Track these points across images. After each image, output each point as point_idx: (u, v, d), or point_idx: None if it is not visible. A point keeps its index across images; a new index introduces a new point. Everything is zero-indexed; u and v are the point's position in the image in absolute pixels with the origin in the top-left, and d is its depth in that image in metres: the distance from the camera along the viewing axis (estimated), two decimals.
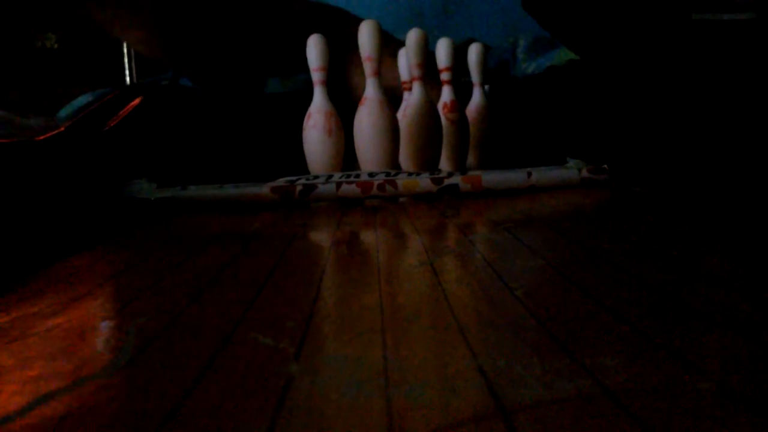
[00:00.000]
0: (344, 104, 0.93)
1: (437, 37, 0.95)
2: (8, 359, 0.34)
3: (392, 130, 0.88)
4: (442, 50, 0.95)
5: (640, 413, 0.24)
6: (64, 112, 0.88)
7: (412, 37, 0.89)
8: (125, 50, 1.43)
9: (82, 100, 0.91)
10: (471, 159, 1.01)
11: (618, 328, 0.34)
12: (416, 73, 0.90)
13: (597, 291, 0.40)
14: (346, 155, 0.91)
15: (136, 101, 0.92)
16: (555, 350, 0.31)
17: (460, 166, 0.96)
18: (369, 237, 0.66)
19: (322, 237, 0.68)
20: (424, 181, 0.82)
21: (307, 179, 0.83)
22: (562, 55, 1.25)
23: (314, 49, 0.89)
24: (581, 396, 0.26)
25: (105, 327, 0.38)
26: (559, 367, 0.29)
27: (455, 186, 0.82)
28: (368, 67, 0.88)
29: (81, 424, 0.26)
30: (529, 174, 0.84)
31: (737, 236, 0.57)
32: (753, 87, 0.89)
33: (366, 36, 0.87)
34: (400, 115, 0.92)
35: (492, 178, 0.84)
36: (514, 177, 0.84)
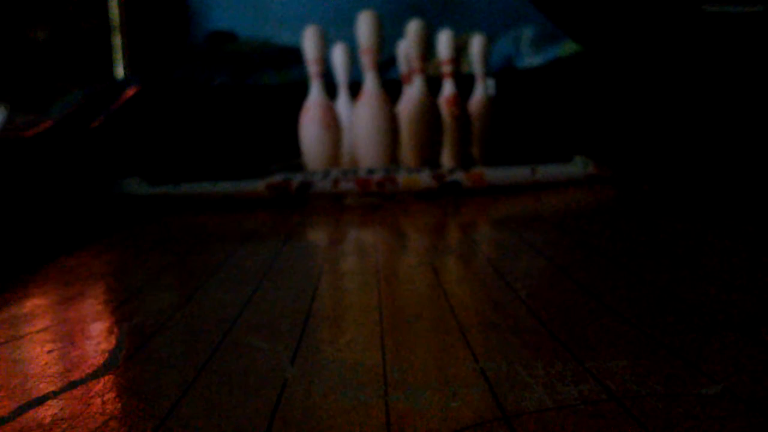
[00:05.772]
0: None
1: (438, 29, 0.95)
2: None
3: (391, 125, 0.87)
4: (443, 42, 0.94)
5: (644, 417, 0.24)
6: (55, 109, 0.87)
7: (413, 28, 0.88)
8: (117, 45, 1.41)
9: (74, 96, 0.90)
10: (474, 153, 1.00)
11: (620, 329, 0.33)
12: (417, 65, 0.89)
13: (600, 291, 0.40)
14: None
15: (128, 96, 0.91)
16: (558, 352, 0.30)
17: (462, 162, 0.95)
18: (368, 236, 0.65)
19: (319, 236, 0.68)
20: (425, 178, 0.82)
21: (304, 175, 0.82)
22: (567, 48, 1.24)
23: (311, 40, 0.88)
24: (585, 400, 0.26)
25: (98, 328, 0.38)
26: (562, 370, 0.28)
27: (457, 183, 0.82)
28: (366, 60, 0.87)
29: (72, 427, 0.26)
30: (533, 170, 0.84)
31: (743, 234, 0.56)
32: (764, 81, 0.88)
33: (365, 28, 0.86)
34: (399, 108, 0.91)
35: (495, 174, 0.83)
36: (518, 173, 0.84)
